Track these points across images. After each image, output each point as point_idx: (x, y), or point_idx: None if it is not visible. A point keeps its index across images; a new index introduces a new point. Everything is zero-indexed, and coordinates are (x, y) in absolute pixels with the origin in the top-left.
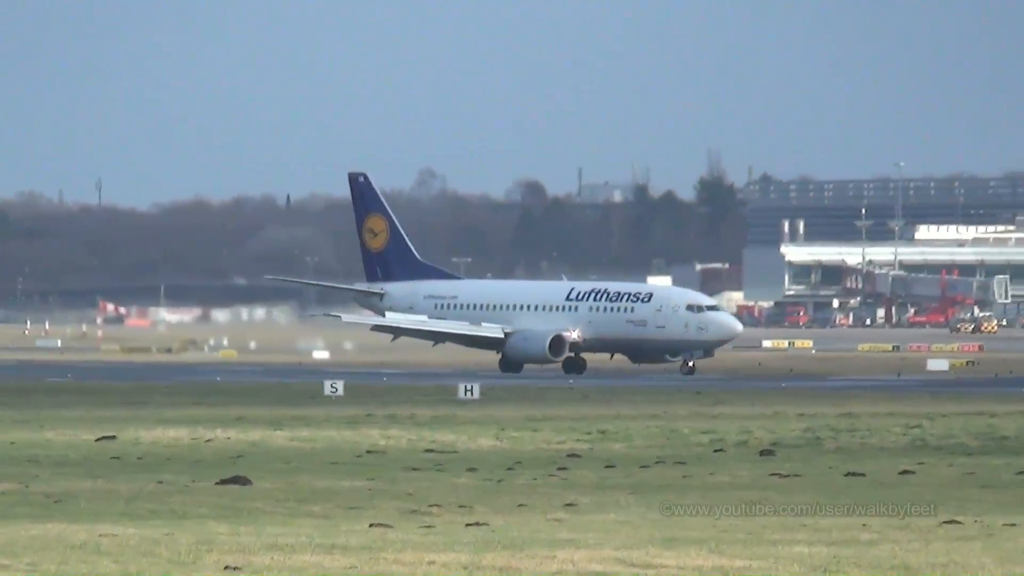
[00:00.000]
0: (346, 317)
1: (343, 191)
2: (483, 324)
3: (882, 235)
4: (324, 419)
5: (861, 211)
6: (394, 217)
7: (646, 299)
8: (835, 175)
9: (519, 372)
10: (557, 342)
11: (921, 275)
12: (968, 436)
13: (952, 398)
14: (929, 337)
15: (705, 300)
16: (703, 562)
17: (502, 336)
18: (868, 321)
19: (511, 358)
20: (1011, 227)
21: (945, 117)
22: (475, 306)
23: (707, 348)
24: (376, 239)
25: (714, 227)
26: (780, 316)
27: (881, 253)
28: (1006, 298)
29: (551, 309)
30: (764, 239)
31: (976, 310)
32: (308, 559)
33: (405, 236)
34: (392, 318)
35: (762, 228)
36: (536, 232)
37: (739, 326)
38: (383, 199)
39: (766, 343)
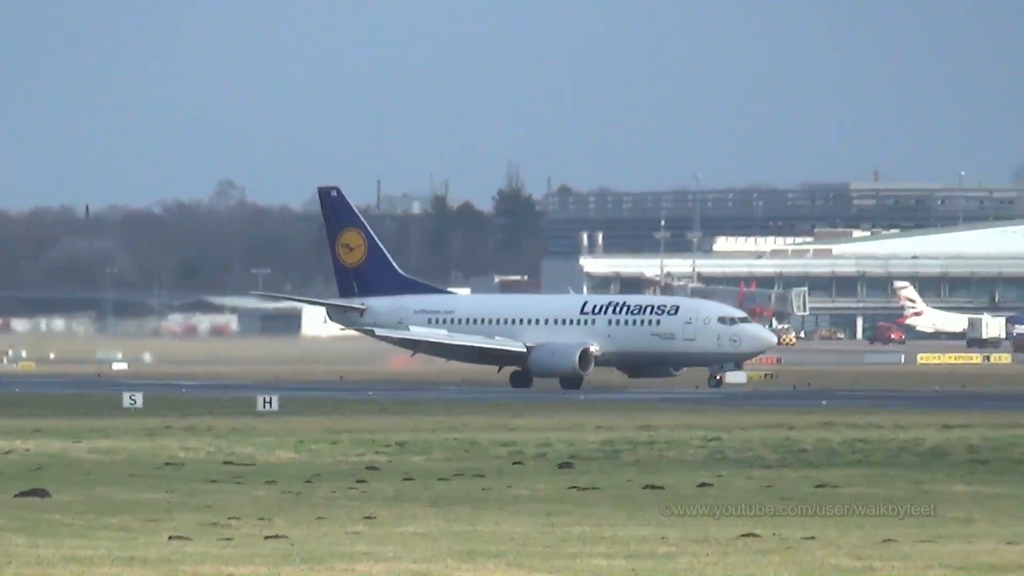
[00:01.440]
0: (379, 332)
1: (141, 201)
2: (496, 338)
3: (680, 247)
4: (123, 431)
5: (660, 223)
6: (371, 231)
7: (672, 311)
8: (634, 187)
9: (530, 387)
10: (585, 355)
11: (719, 287)
12: (766, 449)
13: (750, 411)
14: None
15: (736, 312)
16: (501, 575)
17: (524, 350)
18: None
19: (535, 372)
20: (809, 239)
21: (743, 129)
22: (475, 320)
23: (738, 360)
24: (352, 254)
25: (513, 239)
26: None
27: (679, 265)
28: (804, 310)
29: (565, 323)
30: (563, 251)
31: (774, 322)
32: (107, 572)
33: (384, 250)
34: (416, 332)
35: (561, 240)
36: None
37: (773, 338)
38: (359, 213)
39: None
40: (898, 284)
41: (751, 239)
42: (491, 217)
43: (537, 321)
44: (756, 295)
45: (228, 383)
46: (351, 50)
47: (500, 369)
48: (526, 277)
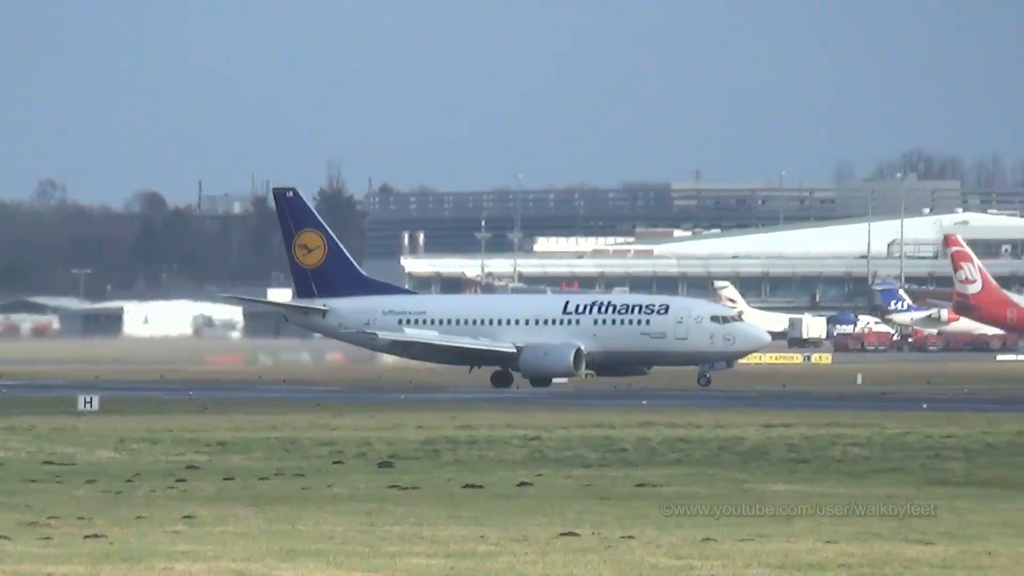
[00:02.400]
0: (383, 335)
1: None
2: (480, 339)
3: (502, 247)
4: None
5: (480, 223)
6: (331, 232)
7: (662, 311)
8: (455, 187)
9: (509, 386)
10: (578, 355)
11: (540, 287)
12: (587, 448)
13: (571, 410)
14: None
15: (728, 311)
16: (321, 574)
17: (514, 350)
18: None
19: (526, 373)
20: (630, 239)
21: (564, 129)
22: (448, 321)
23: (730, 360)
24: (311, 255)
25: None
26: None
27: (500, 265)
28: None
29: (547, 323)
30: (384, 251)
31: None
32: None
33: (345, 251)
34: (411, 333)
35: (382, 240)
36: (157, 244)
37: (768, 337)
38: (317, 214)
39: (386, 356)
40: (719, 284)
41: (572, 239)
42: None
43: (517, 322)
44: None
45: (49, 383)
46: (169, 51)
47: (472, 370)
48: None
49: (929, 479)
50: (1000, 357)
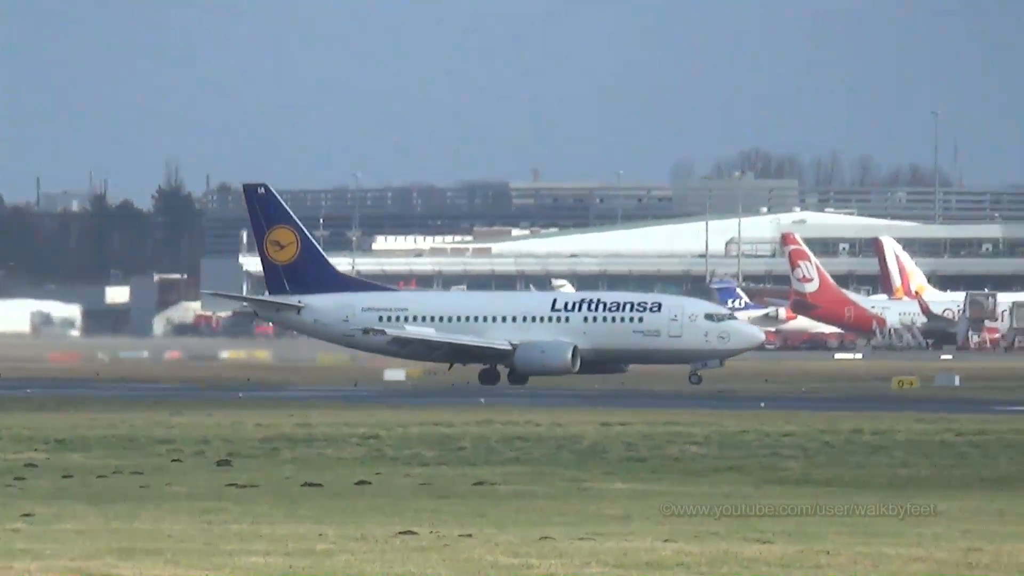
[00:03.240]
0: (390, 330)
1: None
2: (469, 336)
3: (340, 245)
4: None
5: (319, 221)
6: (304, 228)
7: (655, 308)
8: (292, 185)
9: (496, 384)
10: (575, 353)
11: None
12: (425, 446)
13: (410, 408)
14: None
15: (722, 309)
16: (160, 572)
17: (509, 348)
18: None
19: (522, 371)
20: (468, 237)
21: (403, 127)
22: (431, 318)
23: (725, 357)
24: (283, 251)
25: (172, 237)
26: (239, 326)
27: (339, 263)
28: None
29: (534, 320)
30: (223, 249)
31: None
32: None
33: (319, 247)
34: (412, 330)
35: (221, 238)
36: None
37: (762, 335)
38: (289, 209)
39: (224, 354)
40: (557, 283)
41: (411, 238)
42: (151, 215)
43: (504, 319)
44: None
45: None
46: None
47: (451, 367)
48: (185, 276)
49: (767, 478)
50: (838, 356)
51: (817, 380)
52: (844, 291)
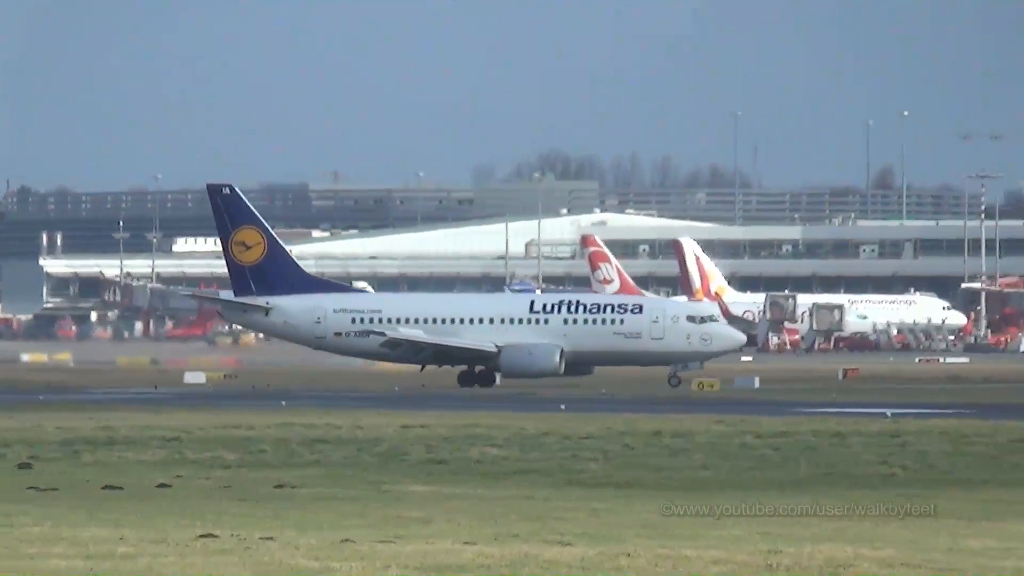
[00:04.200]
0: (391, 333)
1: None
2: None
3: (140, 247)
4: None
5: (118, 223)
6: (270, 228)
7: (636, 310)
8: (94, 187)
9: (472, 386)
10: (562, 355)
11: (179, 288)
12: (226, 449)
13: (211, 411)
14: (187, 350)
15: (704, 311)
16: None
17: (494, 350)
18: (127, 334)
19: (507, 373)
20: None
21: (204, 130)
22: (405, 320)
23: (706, 359)
24: (249, 252)
25: None
26: (40, 329)
27: (139, 265)
28: None
29: (513, 322)
30: (23, 252)
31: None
32: None
33: (285, 248)
34: (405, 332)
35: (21, 241)
36: None
37: (743, 337)
38: (255, 210)
39: (24, 357)
40: (357, 284)
41: (211, 240)
42: None
43: (481, 320)
44: (216, 295)
45: None
46: None
47: (423, 368)
48: None
49: (567, 480)
50: None
51: (617, 383)
52: (644, 292)
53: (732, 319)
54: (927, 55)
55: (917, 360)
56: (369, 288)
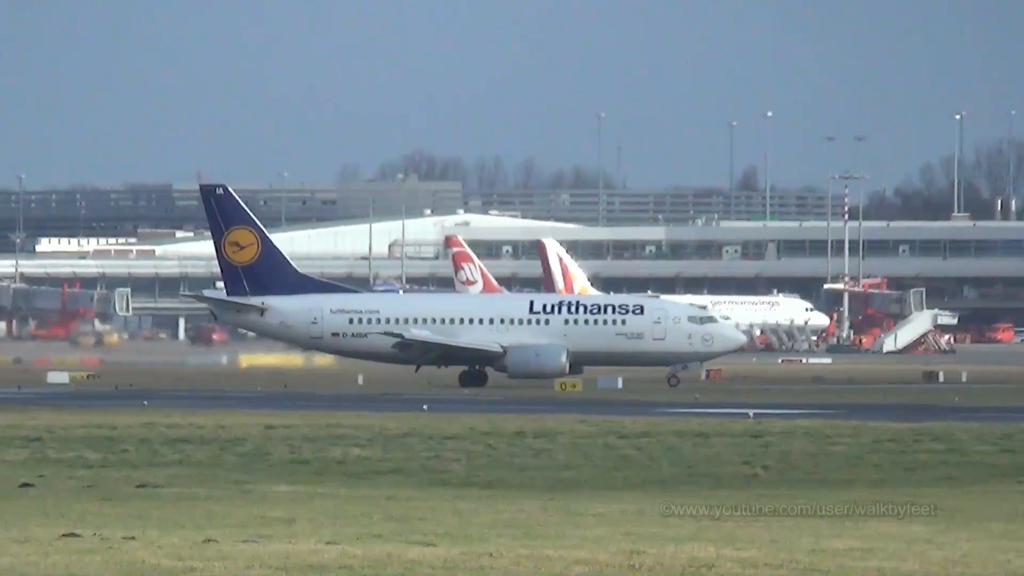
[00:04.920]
0: (409, 335)
1: None
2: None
3: (4, 247)
4: None
5: None
6: (264, 229)
7: (638, 311)
8: None
9: (482, 385)
10: (567, 356)
11: (43, 288)
12: (89, 448)
13: (74, 411)
14: (50, 350)
15: (704, 312)
16: None
17: (500, 350)
18: None
19: (514, 374)
20: (132, 239)
21: (67, 130)
22: (404, 320)
23: (706, 360)
24: (243, 252)
25: None
26: None
27: (3, 266)
28: (127, 311)
29: (512, 323)
30: None
31: (97, 323)
32: None
33: (279, 248)
34: (417, 333)
35: None
36: None
37: (744, 337)
38: (248, 210)
39: None
40: (219, 285)
41: (75, 240)
42: None
43: (481, 321)
44: (78, 296)
45: None
46: None
47: (418, 369)
48: None
49: (430, 480)
50: None
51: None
52: (506, 293)
53: None
54: (791, 56)
55: (780, 361)
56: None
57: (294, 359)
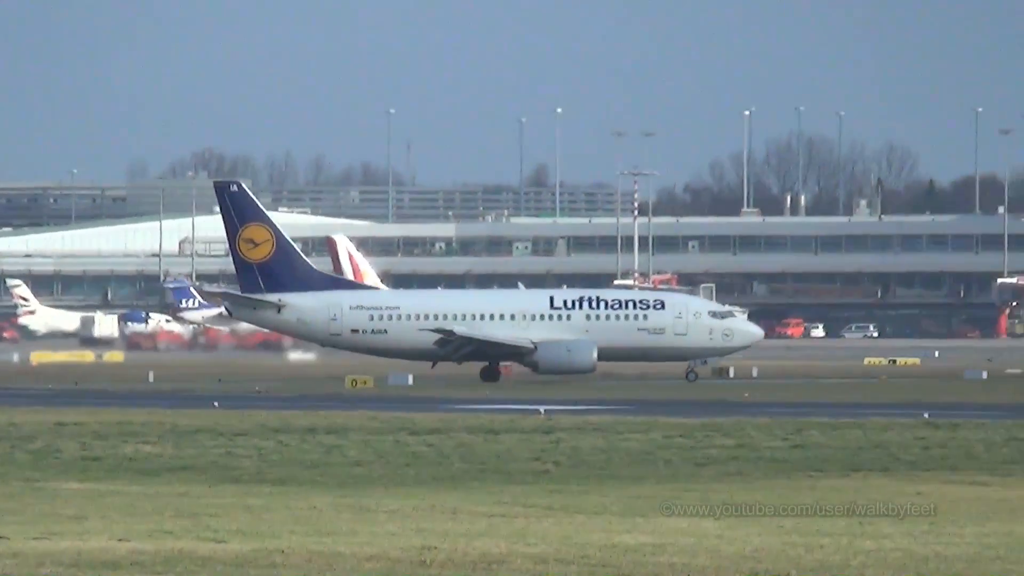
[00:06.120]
0: (458, 329)
1: None
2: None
3: None
4: None
5: None
6: (278, 226)
7: (659, 306)
8: None
9: (497, 381)
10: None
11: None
12: None
13: None
14: None
15: (722, 307)
16: None
17: (531, 346)
18: None
19: (544, 369)
20: None
21: None
22: (424, 317)
23: (725, 355)
24: (257, 249)
25: None
26: None
27: None
28: None
29: (532, 318)
30: None
31: None
32: None
33: (294, 245)
34: (458, 329)
35: None
36: None
37: (761, 332)
38: (263, 207)
39: None
40: (11, 283)
41: None
42: None
43: (502, 316)
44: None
45: None
46: None
47: (434, 365)
48: None
49: (222, 477)
50: (292, 356)
51: (271, 379)
52: None
53: None
54: (581, 52)
55: None
56: (24, 287)
57: (86, 355)
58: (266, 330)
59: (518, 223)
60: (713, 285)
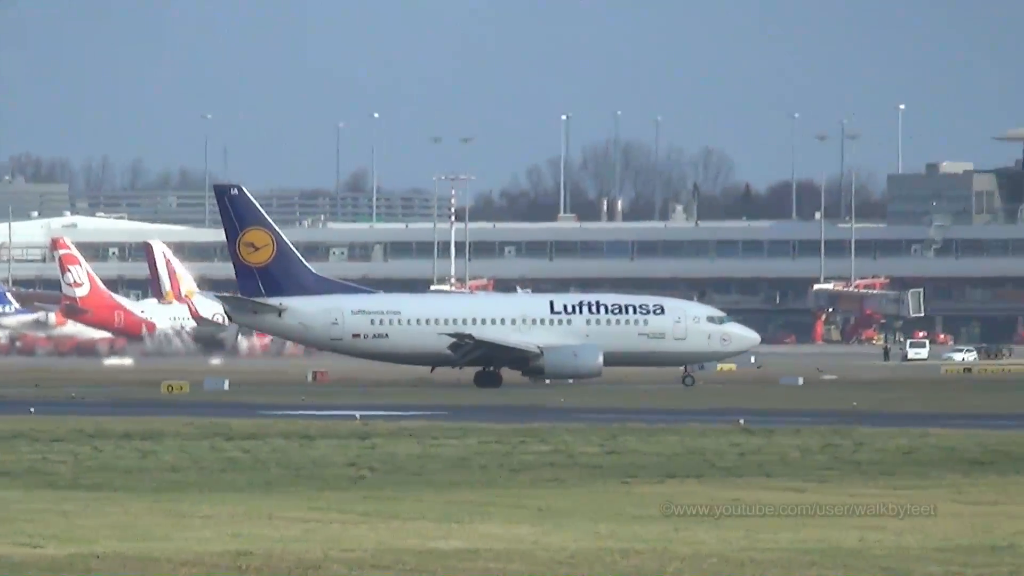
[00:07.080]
0: (478, 335)
1: None
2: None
3: None
4: None
5: None
6: (278, 230)
7: (658, 311)
8: None
9: (498, 387)
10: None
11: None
12: None
13: None
14: None
15: (719, 312)
16: None
17: (537, 351)
18: None
19: (551, 374)
20: None
21: None
22: (426, 321)
23: (722, 359)
24: (257, 253)
25: None
26: None
27: None
28: None
29: (535, 323)
30: None
31: None
32: None
33: (294, 249)
34: (477, 332)
35: None
36: None
37: (758, 337)
38: (263, 211)
39: None
40: None
41: None
42: None
43: (503, 321)
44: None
45: None
46: None
47: (433, 370)
48: None
49: (37, 482)
50: (108, 361)
51: (88, 384)
52: (114, 296)
53: (202, 321)
54: (399, 57)
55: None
56: None
57: None
58: (267, 335)
59: (335, 228)
60: (529, 289)
